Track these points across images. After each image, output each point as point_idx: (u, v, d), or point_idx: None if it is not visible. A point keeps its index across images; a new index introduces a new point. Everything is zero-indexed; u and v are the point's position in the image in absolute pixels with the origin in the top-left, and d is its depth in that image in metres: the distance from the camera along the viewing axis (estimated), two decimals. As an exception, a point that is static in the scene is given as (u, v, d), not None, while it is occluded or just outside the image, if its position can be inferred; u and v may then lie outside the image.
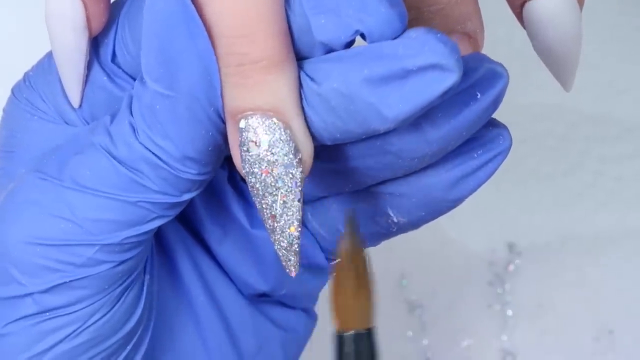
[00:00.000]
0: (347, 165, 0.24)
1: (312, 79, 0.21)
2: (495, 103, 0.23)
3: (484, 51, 0.26)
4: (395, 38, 0.21)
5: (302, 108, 0.22)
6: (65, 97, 0.25)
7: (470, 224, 0.45)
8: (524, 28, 0.25)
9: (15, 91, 0.26)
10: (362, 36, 0.21)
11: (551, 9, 0.23)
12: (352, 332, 0.23)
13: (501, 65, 0.23)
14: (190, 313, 0.28)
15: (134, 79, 0.25)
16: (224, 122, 0.22)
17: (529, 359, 0.43)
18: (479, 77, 0.23)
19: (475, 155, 0.24)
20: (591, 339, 0.43)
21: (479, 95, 0.23)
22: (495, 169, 0.25)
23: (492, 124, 0.24)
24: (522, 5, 0.24)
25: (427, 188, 0.25)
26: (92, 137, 0.24)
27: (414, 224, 0.26)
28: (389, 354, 0.44)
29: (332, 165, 0.24)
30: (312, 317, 0.31)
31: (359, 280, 0.22)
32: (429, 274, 0.45)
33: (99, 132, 0.24)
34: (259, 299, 0.30)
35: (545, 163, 0.45)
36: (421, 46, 0.20)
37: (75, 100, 0.25)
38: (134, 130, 0.23)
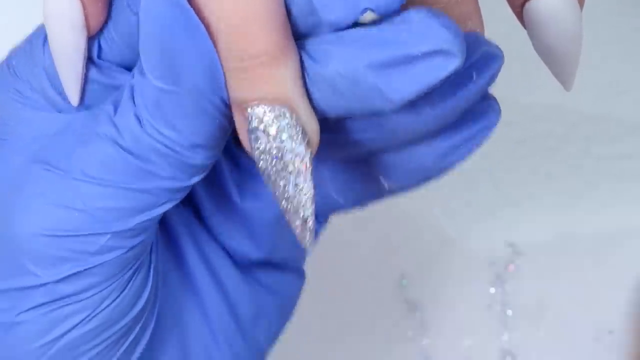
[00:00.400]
0: (343, 137, 0.25)
1: (314, 60, 0.22)
2: (490, 82, 0.24)
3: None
4: (398, 11, 0.21)
5: (306, 86, 0.22)
6: (54, 88, 0.25)
7: (470, 224, 0.45)
8: (524, 28, 0.25)
9: (1, 79, 0.26)
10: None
11: (552, 9, 0.23)
12: None
13: (497, 46, 0.24)
14: (192, 289, 0.29)
15: (123, 67, 0.25)
16: (229, 107, 0.23)
17: (528, 359, 0.44)
18: (475, 59, 0.24)
19: (467, 127, 0.25)
20: (591, 339, 0.43)
21: (474, 76, 0.24)
22: (485, 139, 0.25)
23: (483, 97, 0.25)
24: (523, 4, 0.24)
25: (420, 158, 0.25)
26: (97, 128, 0.24)
27: (404, 190, 0.27)
28: (389, 354, 0.44)
29: (328, 135, 0.25)
30: (301, 275, 0.32)
31: None
32: (429, 274, 0.45)
33: (103, 122, 0.24)
34: (252, 266, 0.30)
35: (545, 163, 0.45)
36: (424, 32, 0.21)
37: (74, 99, 0.25)
38: (140, 121, 0.23)
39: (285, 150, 0.22)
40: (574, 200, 0.45)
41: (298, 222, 0.23)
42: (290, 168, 0.22)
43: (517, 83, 0.42)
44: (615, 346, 0.43)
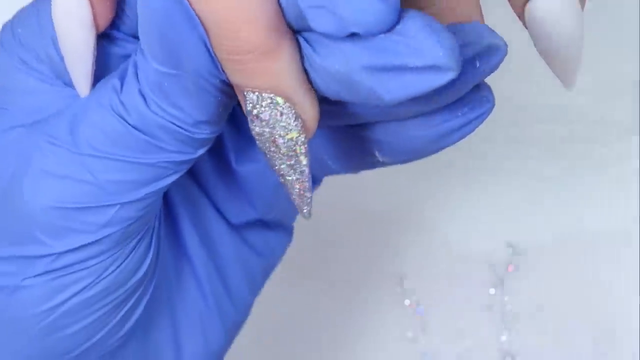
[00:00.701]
0: (342, 109, 0.25)
1: (314, 50, 0.22)
2: (492, 71, 0.25)
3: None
4: (392, 27, 0.21)
5: (306, 70, 0.22)
6: (62, 60, 0.25)
7: (470, 224, 0.45)
8: (526, 27, 0.25)
9: (6, 45, 0.26)
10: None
11: (552, 9, 0.24)
12: None
13: (501, 38, 0.24)
14: (184, 253, 0.30)
15: (134, 37, 0.26)
16: (230, 86, 0.23)
17: (528, 359, 0.44)
18: (480, 49, 0.24)
19: (460, 113, 0.25)
20: (591, 339, 0.43)
21: (477, 64, 0.24)
22: (478, 126, 0.26)
23: (479, 87, 0.26)
24: (524, 4, 0.24)
25: (414, 139, 0.26)
26: (104, 102, 0.24)
27: (397, 163, 0.28)
28: (389, 354, 0.44)
29: (327, 107, 0.25)
30: (289, 232, 0.33)
31: None
32: (429, 274, 0.45)
33: (110, 97, 0.24)
34: (246, 226, 0.31)
35: (545, 163, 0.45)
36: (421, 47, 0.21)
37: (83, 92, 0.25)
38: (145, 99, 0.24)
39: (277, 136, 0.23)
40: (574, 200, 0.45)
41: (295, 196, 0.24)
42: (283, 151, 0.23)
43: (517, 83, 0.42)
44: (615, 346, 0.43)
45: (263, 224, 0.31)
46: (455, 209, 0.45)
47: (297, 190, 0.24)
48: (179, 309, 0.29)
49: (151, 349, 0.29)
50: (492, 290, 0.45)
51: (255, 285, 0.32)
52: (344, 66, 0.21)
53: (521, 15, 0.25)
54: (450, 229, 0.46)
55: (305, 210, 0.25)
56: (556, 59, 0.25)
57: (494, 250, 0.45)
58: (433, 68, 0.21)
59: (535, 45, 0.25)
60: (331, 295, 0.45)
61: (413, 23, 0.21)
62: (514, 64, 0.43)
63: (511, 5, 0.25)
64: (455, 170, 0.45)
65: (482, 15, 0.26)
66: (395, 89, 0.21)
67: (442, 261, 0.45)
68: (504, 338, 0.44)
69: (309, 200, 0.25)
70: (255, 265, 0.31)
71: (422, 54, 0.21)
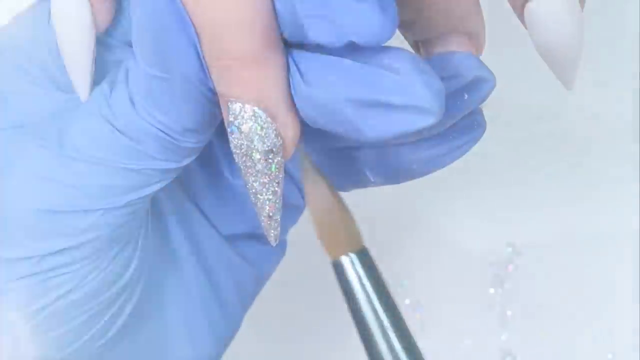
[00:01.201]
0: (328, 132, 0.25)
1: (301, 74, 0.22)
2: (480, 102, 0.25)
3: (484, 50, 0.26)
4: (389, 38, 0.21)
5: (291, 94, 0.22)
6: (56, 64, 0.25)
7: (470, 224, 0.45)
8: (526, 27, 0.25)
9: (2, 49, 0.26)
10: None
11: (552, 9, 0.24)
12: (347, 255, 0.25)
13: (488, 70, 0.25)
14: (173, 261, 0.29)
15: (125, 43, 0.25)
16: (217, 96, 0.23)
17: (528, 359, 0.44)
18: (468, 81, 0.24)
19: (452, 138, 0.26)
20: (591, 339, 0.43)
21: (466, 96, 0.24)
22: (469, 149, 0.26)
23: (471, 112, 0.26)
24: (524, 5, 0.24)
25: (404, 161, 0.26)
26: (93, 107, 0.24)
27: (388, 183, 0.28)
28: (389, 354, 0.44)
29: (314, 129, 0.25)
30: (281, 247, 0.33)
31: (336, 206, 0.24)
32: (429, 274, 0.45)
33: (99, 102, 0.24)
34: (238, 238, 0.31)
35: (545, 163, 0.45)
36: (407, 86, 0.21)
37: (83, 95, 0.25)
38: (133, 104, 0.23)
39: (254, 150, 0.22)
40: (574, 200, 0.45)
41: (264, 217, 0.24)
42: (258, 167, 0.23)
43: (517, 83, 0.42)
44: (615, 346, 0.43)
45: (255, 237, 0.31)
46: (455, 208, 0.45)
47: (267, 211, 0.24)
48: (167, 316, 0.29)
49: (138, 354, 0.29)
50: (491, 290, 0.44)
51: (246, 296, 0.31)
52: (327, 96, 0.21)
53: (521, 15, 0.25)
54: (450, 229, 0.45)
55: (272, 235, 0.24)
56: (556, 59, 0.25)
57: (494, 249, 0.45)
58: (417, 109, 0.21)
59: (534, 45, 0.25)
60: (331, 294, 0.45)
61: (403, 60, 0.21)
62: (514, 63, 0.43)
63: (511, 5, 0.25)
64: (455, 170, 0.45)
65: (481, 15, 0.26)
66: (376, 125, 0.21)
67: (442, 261, 0.45)
68: (503, 338, 0.44)
69: (276, 224, 0.24)
70: (245, 275, 0.31)
71: (407, 92, 0.21)
